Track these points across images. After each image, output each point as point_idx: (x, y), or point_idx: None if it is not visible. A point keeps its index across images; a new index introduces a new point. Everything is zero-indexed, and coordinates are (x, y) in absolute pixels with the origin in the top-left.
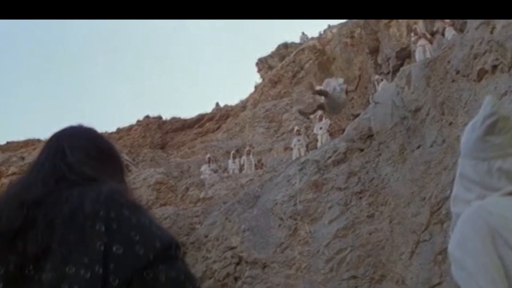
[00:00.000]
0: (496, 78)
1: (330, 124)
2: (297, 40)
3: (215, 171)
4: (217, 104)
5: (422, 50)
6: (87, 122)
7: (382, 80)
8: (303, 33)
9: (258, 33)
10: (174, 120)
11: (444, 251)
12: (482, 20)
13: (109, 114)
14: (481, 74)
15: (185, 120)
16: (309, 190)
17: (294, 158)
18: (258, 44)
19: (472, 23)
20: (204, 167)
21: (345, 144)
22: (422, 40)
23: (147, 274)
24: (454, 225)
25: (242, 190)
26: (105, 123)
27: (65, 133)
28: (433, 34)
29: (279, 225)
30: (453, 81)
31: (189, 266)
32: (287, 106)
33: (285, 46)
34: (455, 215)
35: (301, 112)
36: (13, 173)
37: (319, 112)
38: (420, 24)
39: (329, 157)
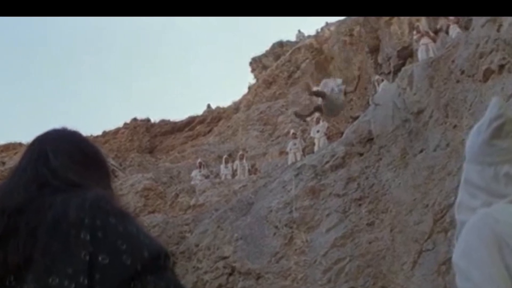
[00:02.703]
0: (503, 78)
1: (328, 127)
2: (293, 38)
3: (207, 177)
4: (209, 106)
5: (425, 49)
6: (72, 125)
7: (382, 80)
8: (299, 31)
9: (252, 31)
10: (163, 122)
11: (448, 261)
12: (488, 18)
13: (94, 116)
14: (487, 74)
15: (174, 123)
16: (306, 196)
17: (289, 162)
18: (252, 43)
19: (478, 21)
20: (195, 173)
21: (344, 148)
22: (425, 38)
23: (134, 285)
24: (459, 234)
25: (235, 197)
26: (90, 126)
27: (48, 137)
28: (436, 32)
29: (274, 234)
30: (457, 81)
31: (179, 277)
32: (283, 108)
33: (281, 44)
34: (459, 223)
35: (297, 114)
36: None
37: (316, 115)
38: (422, 22)
39: (327, 162)
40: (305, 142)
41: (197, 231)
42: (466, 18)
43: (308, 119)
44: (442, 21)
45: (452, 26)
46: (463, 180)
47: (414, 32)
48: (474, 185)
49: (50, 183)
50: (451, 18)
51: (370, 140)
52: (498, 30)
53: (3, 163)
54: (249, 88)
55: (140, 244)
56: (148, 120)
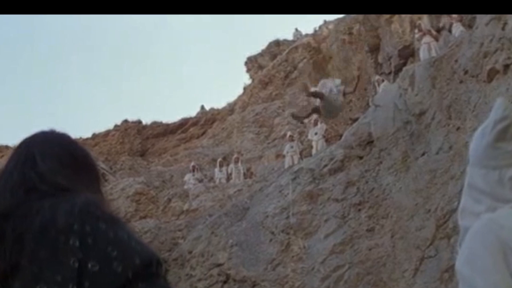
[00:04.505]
0: (508, 78)
1: (326, 129)
2: (290, 37)
3: (200, 181)
4: (202, 107)
5: (427, 48)
6: (60, 127)
7: (383, 81)
8: (296, 30)
9: (247, 29)
10: (155, 124)
11: (451, 269)
12: (493, 15)
13: (84, 118)
14: (492, 74)
15: (167, 125)
16: (303, 201)
17: (286, 166)
18: (248, 42)
19: (482, 19)
20: (188, 176)
21: (343, 151)
22: (427, 37)
23: None
24: (462, 240)
25: (230, 202)
26: (79, 128)
27: (35, 139)
28: (439, 30)
29: (270, 240)
30: (461, 82)
31: (171, 285)
32: (279, 109)
33: (277, 43)
34: (463, 228)
35: (294, 116)
36: None
37: (314, 116)
38: (424, 20)
39: (325, 166)
40: (303, 144)
41: (190, 237)
42: (469, 16)
43: (306, 121)
44: (444, 19)
45: (455, 24)
46: (467, 184)
47: (416, 31)
48: (478, 190)
49: (38, 188)
50: (454, 16)
51: (370, 142)
52: (503, 29)
53: None
54: (244, 88)
55: (131, 251)
56: (139, 122)
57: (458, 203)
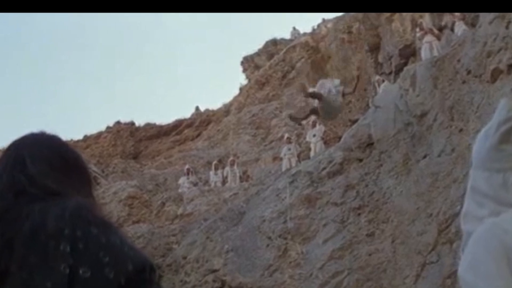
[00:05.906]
0: None
1: (325, 131)
2: (287, 36)
3: (195, 184)
4: (197, 108)
5: (428, 48)
6: (50, 129)
7: (383, 81)
8: (294, 28)
9: (244, 28)
10: (149, 126)
11: (453, 275)
12: (497, 14)
13: (75, 119)
14: (495, 75)
15: (161, 127)
16: (301, 205)
17: (284, 169)
18: (244, 41)
19: (485, 17)
20: (183, 180)
21: (342, 153)
22: (428, 36)
23: None
24: (465, 245)
25: (226, 206)
26: (70, 130)
27: (25, 141)
28: (441, 29)
29: (267, 245)
30: (463, 82)
31: None
32: (276, 110)
33: (274, 42)
34: (466, 233)
35: (292, 117)
36: None
37: (312, 118)
38: (426, 18)
39: (324, 168)
40: (301, 147)
41: (184, 242)
42: (472, 14)
43: (304, 122)
44: (447, 18)
45: (458, 23)
46: (470, 188)
47: (417, 29)
48: (481, 193)
49: (28, 191)
50: (457, 14)
51: (370, 145)
52: (507, 27)
53: None
54: (241, 89)
55: (124, 256)
56: (132, 123)
57: (461, 207)
